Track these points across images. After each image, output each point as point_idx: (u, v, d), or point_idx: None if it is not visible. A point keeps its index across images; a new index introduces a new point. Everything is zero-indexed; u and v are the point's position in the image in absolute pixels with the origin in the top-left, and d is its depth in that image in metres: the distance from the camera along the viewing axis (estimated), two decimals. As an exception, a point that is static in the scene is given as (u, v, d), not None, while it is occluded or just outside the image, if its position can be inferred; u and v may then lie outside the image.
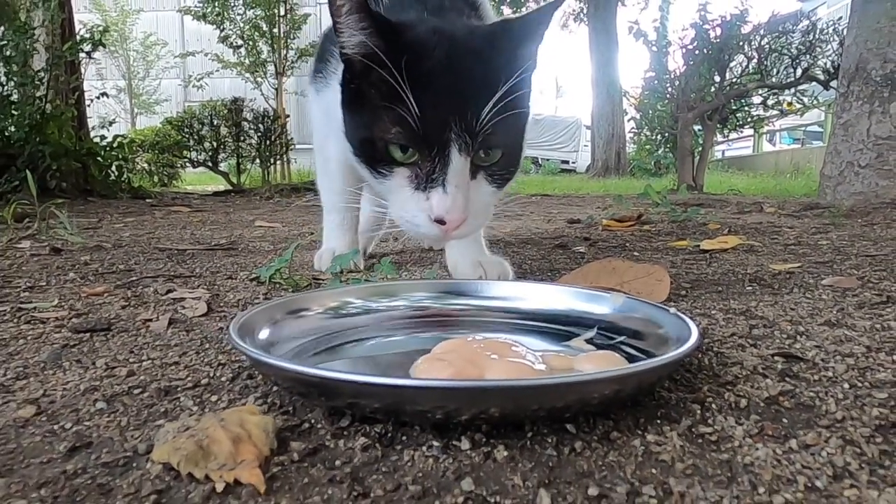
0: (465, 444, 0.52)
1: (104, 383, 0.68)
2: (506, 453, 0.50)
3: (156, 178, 8.27)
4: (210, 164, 7.31)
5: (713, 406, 0.60)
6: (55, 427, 0.56)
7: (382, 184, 0.88)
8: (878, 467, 0.48)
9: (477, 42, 0.88)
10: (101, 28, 4.75)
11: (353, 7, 0.83)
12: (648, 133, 9.42)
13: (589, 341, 0.79)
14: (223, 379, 0.69)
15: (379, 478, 0.47)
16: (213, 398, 0.63)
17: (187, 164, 7.87)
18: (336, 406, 0.57)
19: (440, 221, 0.83)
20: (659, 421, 0.57)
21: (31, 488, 0.45)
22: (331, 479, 0.47)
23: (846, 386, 0.65)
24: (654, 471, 0.48)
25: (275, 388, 0.65)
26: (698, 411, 0.59)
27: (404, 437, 0.53)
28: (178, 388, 0.66)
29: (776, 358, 0.74)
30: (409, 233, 0.89)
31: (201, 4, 9.29)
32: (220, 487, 0.45)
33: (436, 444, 0.52)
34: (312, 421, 0.56)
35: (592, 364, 0.65)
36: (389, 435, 0.54)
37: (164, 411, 0.60)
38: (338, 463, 0.49)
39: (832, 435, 0.54)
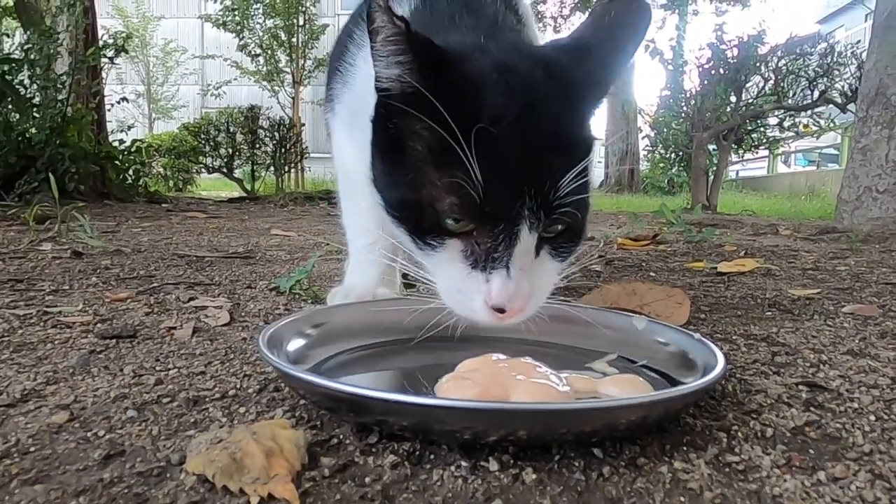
0: (493, 465, 0.52)
1: (133, 391, 0.69)
2: (534, 476, 0.51)
3: (171, 183, 8.36)
4: (225, 170, 7.39)
5: (739, 434, 0.60)
6: (88, 434, 0.57)
7: (429, 256, 0.72)
8: (909, 503, 0.48)
9: (553, 82, 0.71)
10: (124, 34, 4.83)
11: (391, 33, 0.66)
12: (663, 151, 9.42)
13: (611, 364, 0.79)
14: (250, 390, 0.70)
15: (409, 496, 0.48)
16: (241, 409, 0.64)
17: (202, 169, 7.96)
18: (364, 422, 0.58)
19: (499, 309, 0.68)
20: (685, 448, 0.57)
21: (70, 496, 0.46)
22: (362, 496, 0.47)
23: (872, 418, 0.65)
24: (682, 499, 0.48)
25: (302, 402, 0.65)
26: (724, 439, 0.59)
27: (432, 456, 0.54)
28: (207, 399, 0.67)
29: (800, 387, 0.74)
30: (458, 313, 0.73)
31: (222, 12, 9.44)
32: (254, 501, 0.45)
33: (464, 464, 0.52)
34: (341, 436, 0.57)
35: (617, 388, 0.66)
36: (418, 453, 0.54)
37: (193, 421, 0.61)
38: (368, 480, 0.50)
39: (860, 468, 0.53)
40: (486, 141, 0.64)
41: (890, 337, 0.99)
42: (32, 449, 0.54)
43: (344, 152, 1.10)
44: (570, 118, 0.71)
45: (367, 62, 0.80)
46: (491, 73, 0.69)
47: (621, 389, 0.64)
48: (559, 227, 0.71)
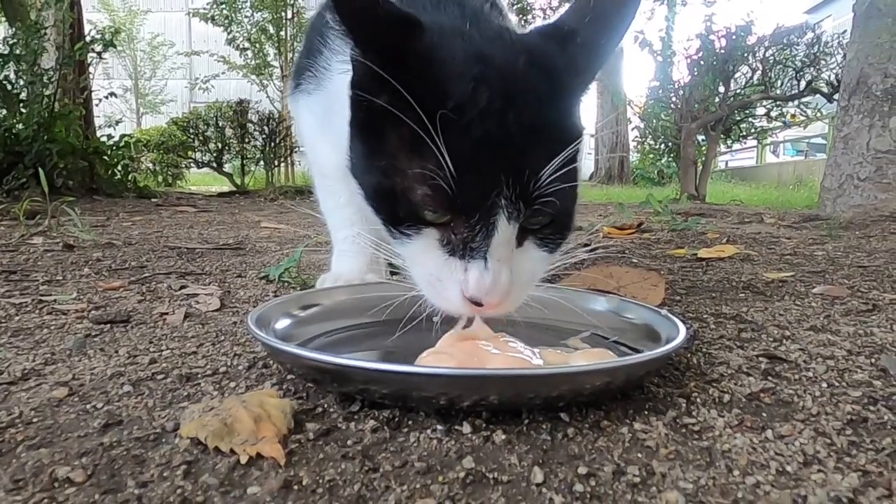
0: (466, 428, 0.56)
1: (128, 369, 0.72)
2: (504, 437, 0.55)
3: (160, 178, 8.34)
4: (214, 164, 7.38)
5: (698, 400, 0.64)
6: (87, 406, 0.61)
7: (404, 245, 0.69)
8: (846, 455, 0.53)
9: (535, 70, 0.68)
10: (112, 29, 4.81)
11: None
12: (652, 142, 9.49)
13: (584, 340, 0.83)
14: (240, 367, 0.74)
15: (387, 455, 0.52)
16: (232, 384, 0.68)
17: (192, 164, 7.94)
18: (347, 392, 0.62)
19: (476, 302, 0.66)
20: (646, 412, 0.61)
21: (73, 457, 0.50)
22: (344, 455, 0.51)
23: (824, 385, 0.69)
24: (639, 455, 0.53)
25: (289, 377, 0.69)
26: (684, 404, 0.63)
27: (410, 422, 0.58)
28: (199, 375, 0.71)
29: (761, 359, 0.78)
30: (434, 304, 0.70)
31: (209, 6, 9.39)
32: (243, 460, 0.49)
33: (440, 427, 0.56)
34: (325, 405, 0.61)
35: (586, 360, 0.70)
36: (397, 419, 0.58)
37: (186, 395, 0.65)
38: (350, 442, 0.54)
39: (806, 427, 0.58)
40: (457, 130, 0.61)
41: (853, 314, 1.04)
42: (35, 420, 0.58)
43: (318, 150, 1.10)
44: (552, 106, 0.68)
45: (341, 63, 0.81)
46: (467, 59, 0.66)
47: (590, 360, 0.68)
48: (543, 217, 0.68)
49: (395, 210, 0.68)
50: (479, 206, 0.63)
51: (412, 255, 0.70)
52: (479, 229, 0.64)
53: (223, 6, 9.28)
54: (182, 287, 1.24)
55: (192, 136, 7.42)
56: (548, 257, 0.72)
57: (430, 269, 0.68)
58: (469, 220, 0.64)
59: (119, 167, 4.95)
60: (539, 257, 0.71)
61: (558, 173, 0.64)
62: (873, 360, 0.78)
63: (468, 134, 0.62)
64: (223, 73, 9.93)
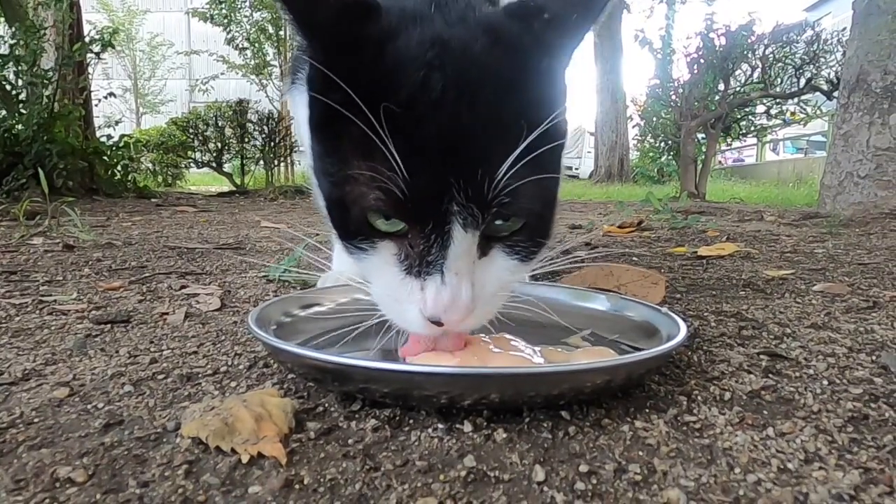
0: (467, 427, 0.56)
1: (129, 369, 0.72)
2: (505, 435, 0.55)
3: (160, 178, 8.34)
4: (214, 164, 7.38)
5: (699, 398, 0.64)
6: (88, 406, 0.61)
7: (361, 261, 0.63)
8: (847, 452, 0.53)
9: (496, 53, 0.60)
10: (111, 29, 4.81)
11: None
12: (652, 140, 9.49)
13: (585, 339, 0.83)
14: (241, 367, 0.74)
15: (389, 454, 0.52)
16: (233, 384, 0.68)
17: (191, 164, 7.94)
18: (348, 391, 0.61)
19: (436, 322, 0.60)
20: (647, 410, 0.61)
21: (74, 457, 0.50)
22: (345, 454, 0.51)
23: (825, 382, 0.69)
24: (640, 452, 0.53)
25: (290, 376, 0.69)
26: (685, 402, 0.63)
27: (411, 420, 0.58)
28: (200, 375, 0.71)
29: (761, 356, 0.78)
30: (395, 323, 0.65)
31: (208, 6, 9.39)
32: (245, 459, 0.49)
33: (440, 426, 0.56)
34: (326, 405, 0.61)
35: (587, 358, 0.70)
36: (398, 418, 0.58)
37: (187, 394, 0.65)
38: (351, 441, 0.54)
39: (807, 424, 0.58)
40: (408, 125, 0.55)
41: (854, 312, 1.04)
42: (36, 420, 0.58)
43: (303, 120, 1.05)
44: (515, 93, 0.59)
45: None
46: (421, 44, 0.58)
47: (591, 359, 0.69)
48: (510, 223, 0.61)
49: (347, 222, 0.61)
50: (432, 214, 0.57)
51: (369, 272, 0.64)
52: (434, 240, 0.58)
53: (222, 6, 9.28)
54: (182, 287, 1.24)
55: (191, 136, 7.42)
56: (519, 266, 0.64)
57: (387, 289, 0.63)
58: (424, 229, 0.58)
59: (119, 167, 4.96)
60: (507, 266, 0.63)
61: (522, 171, 0.56)
62: (874, 358, 0.78)
63: (419, 130, 0.55)
64: (222, 72, 9.93)
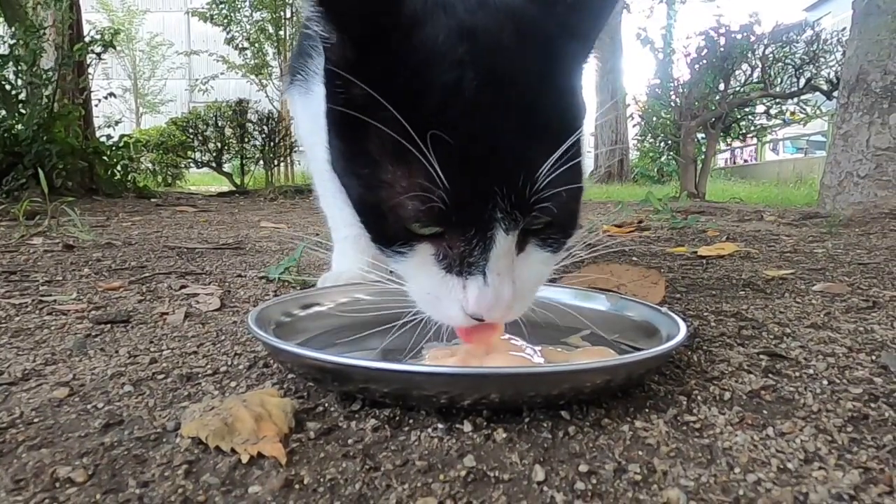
0: (467, 427, 0.56)
1: (129, 369, 0.72)
2: (504, 435, 0.55)
3: (160, 178, 8.35)
4: (214, 164, 7.38)
5: (699, 398, 0.64)
6: (88, 406, 0.61)
7: (399, 262, 0.63)
8: (847, 452, 0.53)
9: (524, 43, 0.58)
10: (111, 30, 4.81)
11: None
12: (652, 140, 9.49)
13: (584, 338, 0.83)
14: (240, 367, 0.74)
15: (388, 454, 0.52)
16: (233, 384, 0.68)
17: (191, 164, 7.94)
18: (348, 391, 0.61)
19: (477, 318, 0.61)
20: (647, 410, 0.61)
21: (74, 457, 0.50)
22: (345, 454, 0.51)
23: (825, 382, 0.69)
24: (640, 452, 0.53)
25: (290, 376, 0.69)
26: (684, 402, 0.63)
27: (411, 420, 0.58)
28: (199, 375, 0.71)
29: (761, 356, 0.78)
30: (434, 318, 0.65)
31: (208, 6, 9.38)
32: (244, 459, 0.49)
33: (440, 426, 0.56)
34: (326, 405, 0.61)
35: (587, 358, 0.70)
36: (397, 418, 0.58)
37: (187, 394, 0.65)
38: (351, 441, 0.54)
39: (807, 424, 0.58)
40: (445, 131, 0.53)
41: (854, 311, 1.04)
42: (36, 420, 0.58)
43: (315, 150, 1.03)
44: (547, 87, 0.59)
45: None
46: (450, 37, 0.56)
47: (591, 358, 0.69)
48: (545, 217, 0.60)
49: (384, 229, 0.61)
50: (475, 221, 0.57)
51: (408, 273, 0.65)
52: (475, 243, 0.58)
53: (222, 6, 9.28)
54: (182, 287, 1.24)
55: (191, 136, 7.42)
56: (552, 258, 0.66)
57: (427, 287, 0.63)
58: (465, 234, 0.58)
59: (118, 167, 4.96)
60: (542, 259, 0.65)
61: (559, 169, 0.56)
62: (874, 357, 0.78)
63: (456, 135, 0.53)
64: (222, 72, 9.92)
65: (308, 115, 0.95)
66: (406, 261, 0.62)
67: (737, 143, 8.27)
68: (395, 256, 0.63)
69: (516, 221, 0.58)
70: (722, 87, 6.44)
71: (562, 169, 0.56)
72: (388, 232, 0.61)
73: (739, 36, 6.02)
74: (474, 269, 0.59)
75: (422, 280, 0.63)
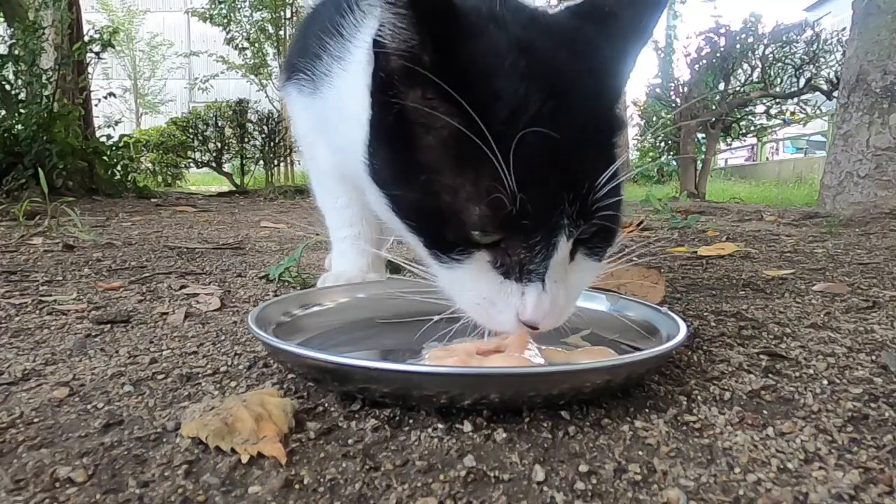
0: (467, 427, 0.56)
1: (129, 369, 0.72)
2: (505, 435, 0.55)
3: (160, 178, 8.35)
4: (214, 164, 7.38)
5: (699, 398, 0.64)
6: (88, 406, 0.61)
7: (451, 269, 0.62)
8: (847, 452, 0.53)
9: (581, 60, 0.61)
10: (110, 29, 4.81)
11: None
12: (652, 140, 9.49)
13: (584, 338, 0.83)
14: (240, 367, 0.74)
15: (388, 454, 0.52)
16: (233, 384, 0.68)
17: (191, 164, 7.94)
18: (348, 391, 0.61)
19: (531, 325, 0.62)
20: (647, 410, 0.61)
21: (74, 457, 0.50)
22: (345, 454, 0.51)
23: (825, 382, 0.69)
24: (640, 452, 0.53)
25: (290, 376, 0.69)
26: (684, 402, 0.63)
27: (411, 420, 0.58)
28: (199, 375, 0.71)
29: (761, 356, 0.78)
30: (483, 325, 0.66)
31: (208, 6, 9.38)
32: (244, 459, 0.49)
33: (440, 426, 0.56)
34: (326, 405, 0.61)
35: (588, 358, 0.70)
36: (397, 418, 0.58)
37: (187, 394, 0.65)
38: (351, 441, 0.54)
39: (807, 424, 0.58)
40: (513, 138, 0.54)
41: (854, 311, 1.04)
42: (36, 420, 0.58)
43: (315, 150, 1.06)
44: (601, 101, 0.62)
45: (345, 72, 0.76)
46: (510, 49, 0.58)
47: (591, 359, 0.68)
48: (597, 226, 0.62)
49: (443, 233, 0.60)
50: (543, 226, 0.58)
51: (460, 280, 0.63)
52: (538, 250, 0.59)
53: (222, 6, 9.27)
54: (182, 287, 1.24)
55: (191, 136, 7.42)
56: (597, 266, 0.67)
57: (483, 293, 0.62)
58: (528, 240, 0.58)
59: (118, 167, 4.95)
60: (589, 268, 0.66)
61: (612, 180, 0.59)
62: (874, 357, 0.78)
63: (524, 143, 0.54)
64: (222, 72, 9.92)
65: (311, 115, 0.96)
66: (461, 267, 0.62)
67: (736, 144, 8.28)
68: (451, 263, 0.62)
69: (577, 228, 0.59)
70: (722, 87, 6.44)
71: (614, 179, 0.59)
72: (448, 237, 0.61)
73: (742, 35, 6.02)
74: (534, 276, 0.60)
75: (476, 286, 0.63)
